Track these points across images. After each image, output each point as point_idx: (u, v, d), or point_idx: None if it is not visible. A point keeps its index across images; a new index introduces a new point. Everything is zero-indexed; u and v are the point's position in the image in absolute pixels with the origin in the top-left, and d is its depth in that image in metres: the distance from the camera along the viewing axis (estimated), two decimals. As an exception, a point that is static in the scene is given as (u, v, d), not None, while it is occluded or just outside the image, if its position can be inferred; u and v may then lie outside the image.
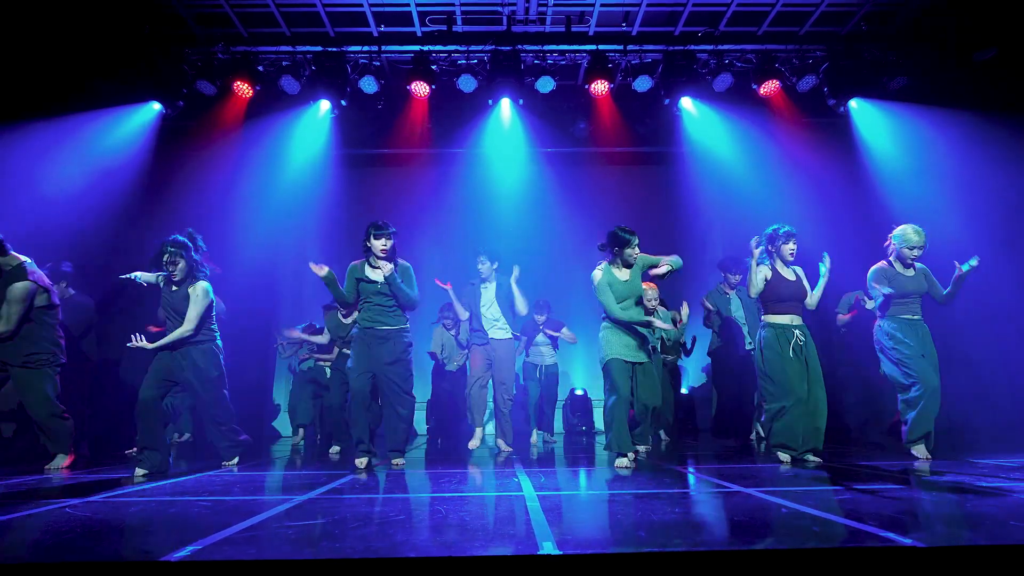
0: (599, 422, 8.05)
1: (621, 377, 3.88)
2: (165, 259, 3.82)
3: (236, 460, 4.12)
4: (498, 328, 5.20)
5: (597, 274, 4.05)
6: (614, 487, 2.99)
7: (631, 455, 3.81)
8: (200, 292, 3.85)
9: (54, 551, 1.78)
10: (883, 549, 1.66)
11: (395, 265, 3.94)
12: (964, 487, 2.73)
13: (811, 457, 3.76)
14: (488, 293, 5.27)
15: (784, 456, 3.81)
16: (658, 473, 3.45)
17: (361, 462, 3.79)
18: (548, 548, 1.68)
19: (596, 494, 2.85)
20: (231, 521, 2.16)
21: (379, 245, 3.86)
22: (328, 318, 5.36)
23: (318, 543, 1.80)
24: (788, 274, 4.02)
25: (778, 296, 3.95)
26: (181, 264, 3.82)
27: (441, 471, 3.74)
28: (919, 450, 3.96)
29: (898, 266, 4.17)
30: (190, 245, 3.88)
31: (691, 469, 3.74)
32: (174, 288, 3.89)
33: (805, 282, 4.03)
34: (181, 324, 3.82)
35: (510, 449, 4.97)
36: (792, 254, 3.99)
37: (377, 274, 3.92)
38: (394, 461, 3.98)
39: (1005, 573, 1.59)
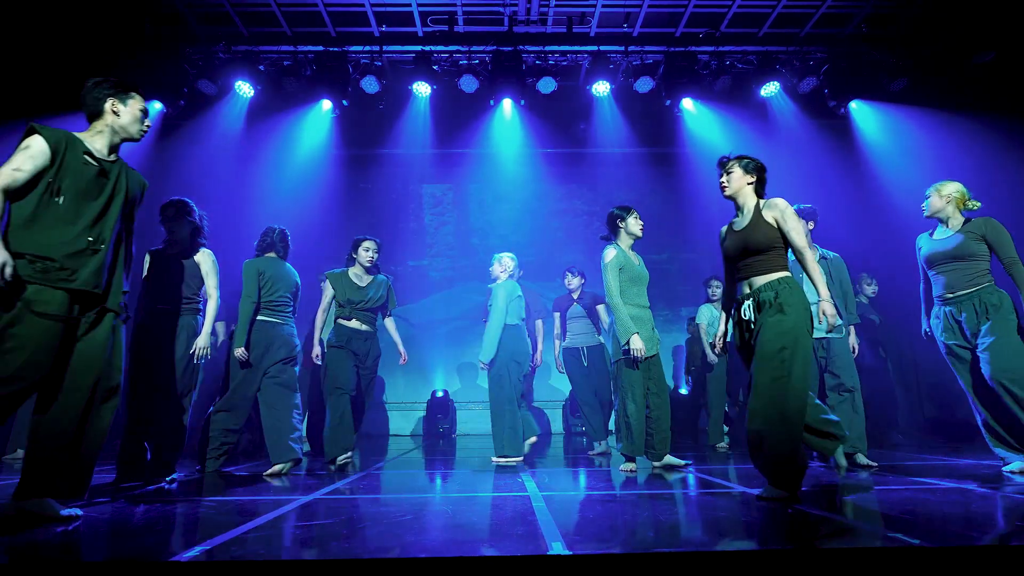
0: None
1: (636, 375, 3.63)
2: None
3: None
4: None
5: (610, 253, 3.67)
6: (618, 488, 2.99)
7: (645, 463, 3.70)
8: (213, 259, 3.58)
9: (62, 551, 1.77)
10: (890, 549, 1.66)
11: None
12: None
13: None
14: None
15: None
16: (661, 474, 3.46)
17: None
18: (558, 548, 1.68)
19: (601, 495, 2.85)
20: (237, 521, 2.15)
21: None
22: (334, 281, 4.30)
23: (328, 543, 1.80)
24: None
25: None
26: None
27: (444, 471, 3.74)
28: None
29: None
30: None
31: (692, 470, 3.74)
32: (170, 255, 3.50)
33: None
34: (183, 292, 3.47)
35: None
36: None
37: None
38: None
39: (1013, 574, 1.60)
